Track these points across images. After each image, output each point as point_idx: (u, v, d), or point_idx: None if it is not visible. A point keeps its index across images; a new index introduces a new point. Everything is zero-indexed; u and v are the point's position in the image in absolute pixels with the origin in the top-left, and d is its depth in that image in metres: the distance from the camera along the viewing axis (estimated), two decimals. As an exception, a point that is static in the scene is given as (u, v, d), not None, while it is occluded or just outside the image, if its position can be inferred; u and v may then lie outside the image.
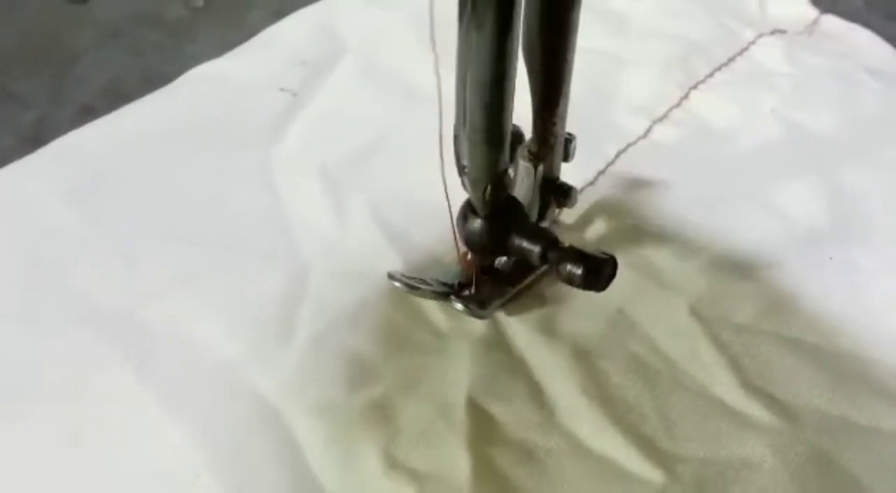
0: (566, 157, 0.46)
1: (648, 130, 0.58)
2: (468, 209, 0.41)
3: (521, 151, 0.44)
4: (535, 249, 0.41)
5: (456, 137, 0.38)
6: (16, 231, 0.49)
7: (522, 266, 0.46)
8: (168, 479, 0.38)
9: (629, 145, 0.56)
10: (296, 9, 0.67)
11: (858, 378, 0.43)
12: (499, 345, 0.44)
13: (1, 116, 0.60)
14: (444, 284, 0.45)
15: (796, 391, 0.43)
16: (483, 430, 0.40)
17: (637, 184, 0.54)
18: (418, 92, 0.57)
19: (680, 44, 0.64)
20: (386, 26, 0.64)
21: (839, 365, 0.44)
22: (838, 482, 0.39)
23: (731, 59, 0.63)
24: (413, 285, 0.44)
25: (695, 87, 0.61)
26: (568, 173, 0.49)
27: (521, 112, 0.40)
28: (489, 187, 0.39)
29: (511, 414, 0.41)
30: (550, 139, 0.43)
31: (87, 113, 0.58)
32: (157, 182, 0.53)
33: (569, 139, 0.45)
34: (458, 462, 0.39)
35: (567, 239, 0.48)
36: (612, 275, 0.40)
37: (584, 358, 0.43)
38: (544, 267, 0.47)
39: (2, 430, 0.40)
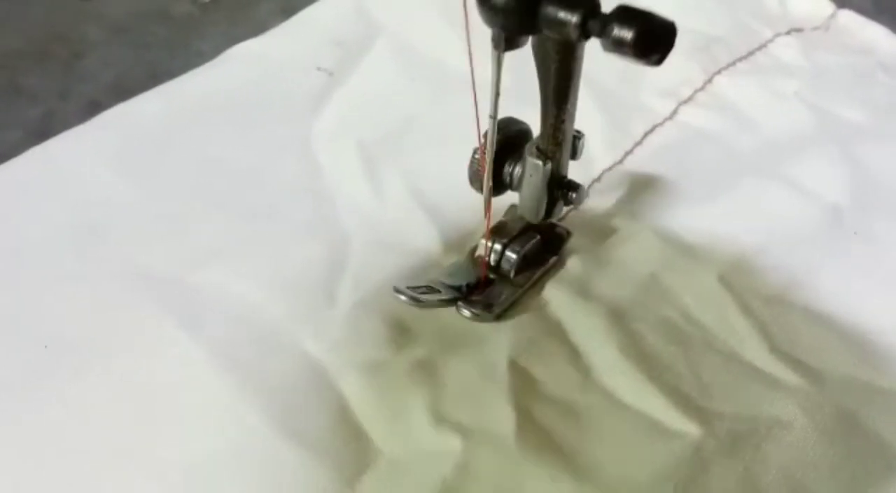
0: (574, 154, 0.48)
1: (675, 112, 0.62)
2: None
3: (529, 148, 0.46)
4: (573, 17, 0.35)
5: None
6: (70, 197, 0.53)
7: (531, 262, 0.49)
8: (219, 431, 0.42)
9: (656, 126, 0.61)
10: (304, 3, 0.71)
11: (882, 346, 0.47)
12: (536, 310, 0.48)
13: (9, 110, 0.63)
14: (452, 287, 0.48)
15: (823, 358, 0.46)
16: (525, 388, 0.44)
17: (665, 163, 0.58)
18: (450, 73, 0.62)
19: (702, 37, 0.69)
20: (418, 9, 0.68)
21: (863, 333, 0.48)
22: (864, 440, 0.43)
23: (751, 53, 0.68)
24: (417, 298, 0.46)
25: (718, 72, 0.66)
26: (598, 153, 0.55)
27: (530, 109, 0.44)
28: None
29: (551, 374, 0.45)
30: (559, 136, 0.44)
31: (94, 108, 0.61)
32: (201, 152, 0.57)
33: (577, 136, 0.47)
34: (502, 416, 0.42)
35: (597, 213, 0.53)
36: (670, 44, 0.35)
37: (618, 321, 0.47)
38: (552, 261, 0.50)
39: (59, 385, 0.43)
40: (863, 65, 0.68)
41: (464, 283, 0.48)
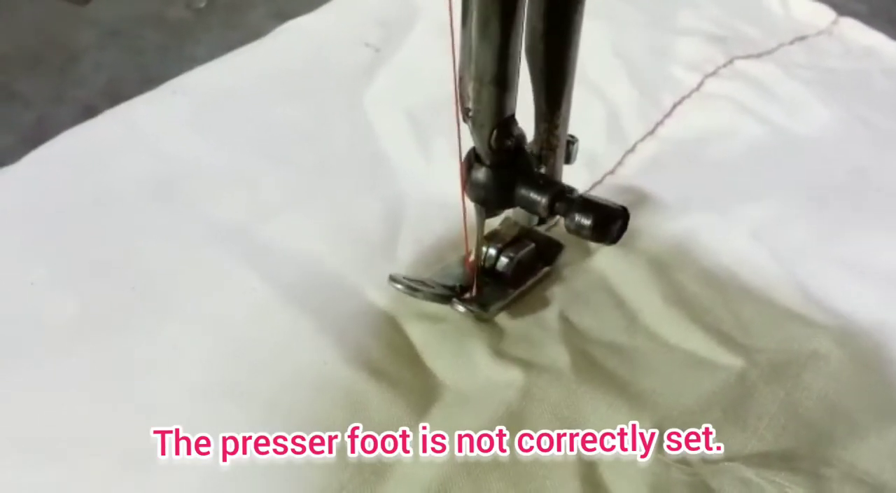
0: (568, 159, 0.51)
1: (701, 84, 0.71)
2: (473, 158, 0.44)
3: (524, 154, 0.50)
4: (542, 199, 0.43)
5: (461, 79, 0.41)
6: (145, 156, 0.60)
7: (524, 269, 0.53)
8: (298, 364, 0.48)
9: (684, 98, 0.69)
10: (297, 9, 0.77)
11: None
12: (580, 265, 0.55)
13: (2, 115, 0.67)
14: (445, 286, 0.52)
15: (853, 302, 0.54)
16: (577, 333, 0.51)
17: (693, 132, 0.66)
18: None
19: (714, 36, 0.77)
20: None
21: (890, 280, 0.55)
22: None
23: (760, 55, 0.76)
24: (414, 287, 0.51)
25: (738, 57, 0.74)
26: (631, 124, 0.64)
27: (524, 114, 0.47)
28: (495, 132, 0.41)
29: (599, 321, 0.52)
30: (553, 141, 0.48)
31: (88, 113, 0.65)
32: (264, 117, 0.65)
33: (570, 141, 0.50)
34: (558, 355, 0.49)
35: (636, 177, 0.61)
36: (624, 227, 0.42)
37: (659, 272, 0.55)
38: (544, 270, 0.55)
39: (147, 325, 0.49)
40: (865, 69, 0.76)
41: (457, 284, 0.52)
